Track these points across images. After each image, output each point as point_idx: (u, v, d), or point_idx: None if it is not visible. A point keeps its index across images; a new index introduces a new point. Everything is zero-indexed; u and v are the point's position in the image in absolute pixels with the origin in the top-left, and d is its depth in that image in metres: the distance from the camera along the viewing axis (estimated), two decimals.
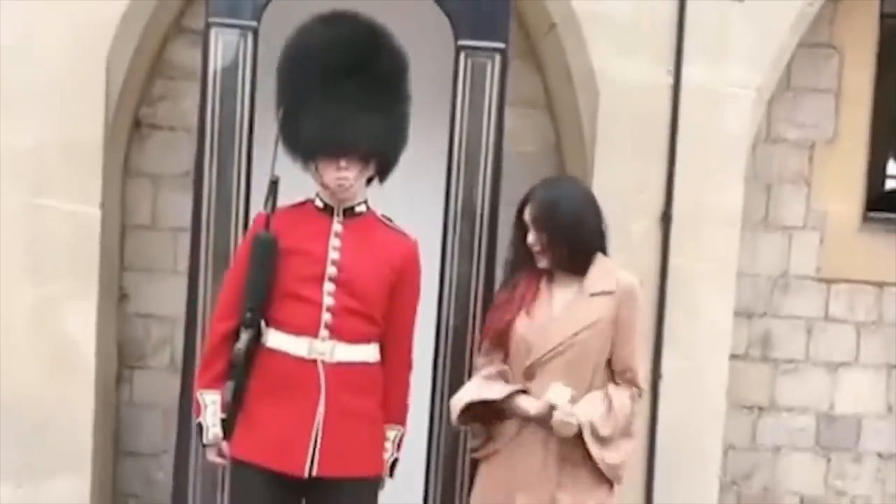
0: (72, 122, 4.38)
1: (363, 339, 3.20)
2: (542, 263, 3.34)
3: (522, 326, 3.31)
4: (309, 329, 3.15)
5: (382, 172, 3.31)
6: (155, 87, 4.97)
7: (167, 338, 5.00)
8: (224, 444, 3.23)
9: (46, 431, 4.41)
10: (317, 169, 3.18)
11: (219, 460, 3.28)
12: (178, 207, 4.80)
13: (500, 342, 3.37)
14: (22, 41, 4.34)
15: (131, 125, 4.90)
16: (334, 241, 3.20)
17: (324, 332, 3.14)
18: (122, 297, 4.97)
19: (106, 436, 4.79)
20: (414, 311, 3.37)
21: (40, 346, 4.42)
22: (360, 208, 3.28)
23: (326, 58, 3.13)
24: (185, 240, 3.96)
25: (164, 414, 4.95)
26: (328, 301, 3.15)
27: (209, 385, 3.24)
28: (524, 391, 3.28)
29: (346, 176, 3.14)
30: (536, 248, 3.32)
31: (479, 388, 3.35)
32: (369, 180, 3.31)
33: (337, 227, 3.22)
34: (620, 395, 3.30)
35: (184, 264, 3.98)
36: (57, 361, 4.43)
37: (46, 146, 4.37)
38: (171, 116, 4.97)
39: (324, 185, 3.21)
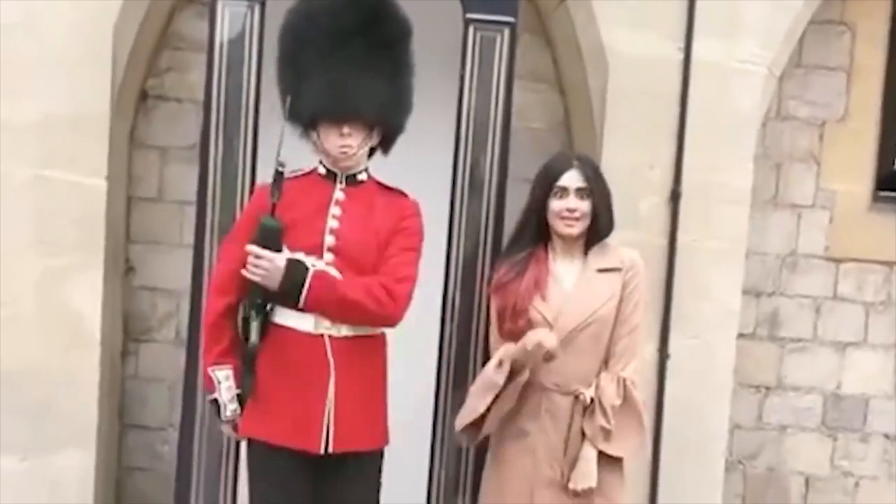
0: (78, 94, 4.35)
1: None
2: (574, 229, 3.32)
3: (542, 309, 3.30)
4: None
5: (386, 142, 3.28)
6: (162, 59, 4.93)
7: (173, 311, 4.99)
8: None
9: (52, 404, 4.40)
10: (318, 136, 3.15)
11: (236, 435, 3.29)
12: (184, 180, 4.78)
13: (520, 333, 3.31)
14: (28, 13, 4.30)
15: (138, 97, 4.87)
16: (334, 210, 3.17)
17: None
18: (129, 269, 4.96)
19: (111, 409, 4.79)
20: (412, 247, 3.29)
21: (46, 318, 4.41)
22: (362, 176, 3.25)
23: (329, 23, 3.10)
24: (192, 213, 3.95)
25: (169, 387, 4.96)
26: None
27: (218, 361, 3.22)
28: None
29: (350, 143, 3.11)
30: (575, 215, 3.30)
31: (478, 396, 3.34)
32: (372, 151, 3.28)
33: (339, 194, 3.20)
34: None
35: (190, 237, 3.96)
36: (62, 334, 4.42)
37: (53, 118, 4.34)
38: (179, 88, 4.93)
39: (325, 153, 3.17)
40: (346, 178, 3.21)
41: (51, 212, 4.37)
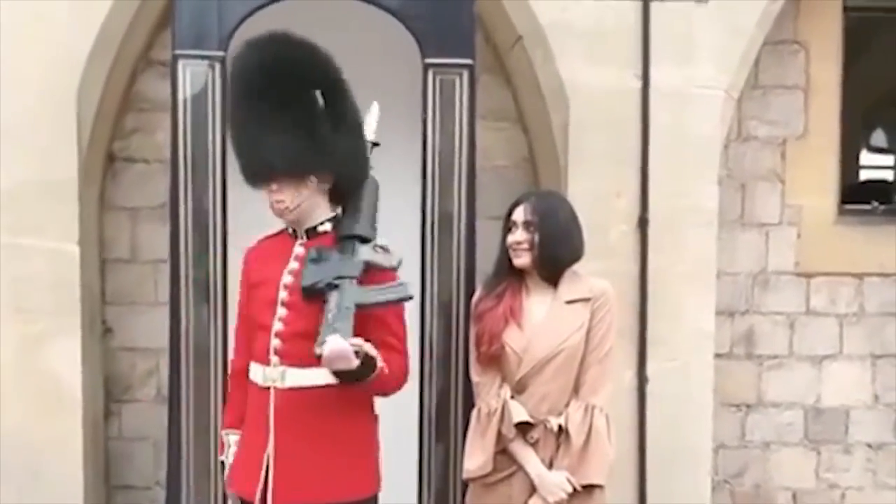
0: (46, 160, 4.38)
1: (317, 362, 2.98)
2: (521, 260, 3.38)
3: (512, 339, 3.36)
4: (262, 356, 3.13)
5: (341, 191, 3.22)
6: (127, 121, 4.97)
7: (153, 369, 5.00)
8: None
9: (37, 470, 4.40)
10: None
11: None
12: (156, 239, 4.82)
13: (494, 358, 3.40)
14: None
15: (105, 160, 4.90)
16: (292, 265, 3.14)
17: (274, 359, 3.09)
18: (106, 331, 4.97)
19: (97, 471, 4.78)
20: (399, 314, 3.24)
21: (26, 385, 4.41)
22: (324, 227, 3.20)
23: (246, 82, 3.10)
24: (166, 271, 3.94)
25: (153, 446, 4.96)
26: (277, 326, 3.10)
27: (232, 425, 3.31)
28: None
29: (281, 199, 3.08)
30: (523, 247, 3.37)
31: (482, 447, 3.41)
32: (338, 200, 3.28)
33: (298, 249, 3.17)
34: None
35: (165, 295, 3.96)
36: (44, 400, 4.42)
37: (21, 185, 4.36)
38: (145, 149, 4.97)
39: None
40: (307, 231, 3.21)
41: (24, 279, 4.39)
